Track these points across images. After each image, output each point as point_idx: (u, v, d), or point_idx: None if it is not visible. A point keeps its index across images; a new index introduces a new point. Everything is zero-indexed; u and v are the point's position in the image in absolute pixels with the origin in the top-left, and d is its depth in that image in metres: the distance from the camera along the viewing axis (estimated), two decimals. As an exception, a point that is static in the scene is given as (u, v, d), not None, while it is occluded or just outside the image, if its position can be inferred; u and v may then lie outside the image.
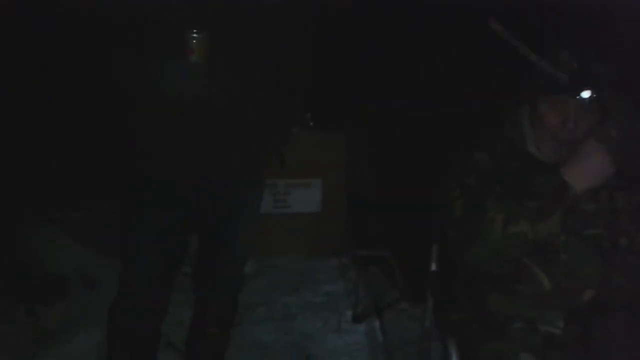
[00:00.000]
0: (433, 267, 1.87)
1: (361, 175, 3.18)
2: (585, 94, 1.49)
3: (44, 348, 2.44)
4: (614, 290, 1.52)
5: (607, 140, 1.52)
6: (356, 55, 3.24)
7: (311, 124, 3.27)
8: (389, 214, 2.66)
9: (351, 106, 3.29)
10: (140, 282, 1.90)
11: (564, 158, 1.53)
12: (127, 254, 1.92)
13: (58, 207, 3.05)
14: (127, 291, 1.92)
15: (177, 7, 1.71)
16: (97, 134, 2.22)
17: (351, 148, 3.29)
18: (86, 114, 2.36)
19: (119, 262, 1.95)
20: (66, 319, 2.60)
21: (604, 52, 1.53)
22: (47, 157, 2.98)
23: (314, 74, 2.05)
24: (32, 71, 2.78)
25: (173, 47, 1.67)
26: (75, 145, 2.91)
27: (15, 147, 2.84)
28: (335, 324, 2.82)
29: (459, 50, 3.05)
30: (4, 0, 2.50)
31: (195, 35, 1.67)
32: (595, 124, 1.52)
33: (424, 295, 1.89)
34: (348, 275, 3.19)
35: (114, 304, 1.95)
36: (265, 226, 3.28)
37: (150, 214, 1.86)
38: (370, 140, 3.03)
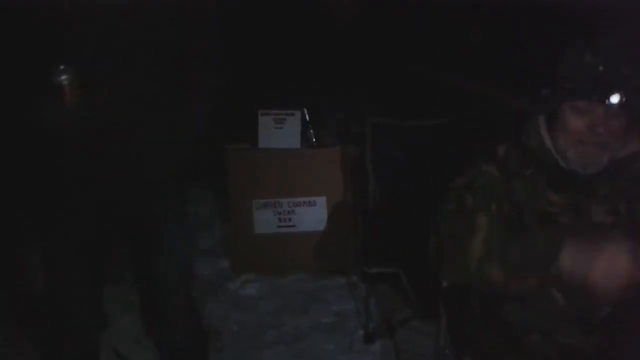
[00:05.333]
0: (445, 282, 1.82)
1: (367, 190, 3.12)
2: (614, 99, 1.40)
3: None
4: (635, 306, 1.41)
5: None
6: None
7: (314, 140, 3.23)
8: (398, 230, 2.60)
9: (355, 121, 3.24)
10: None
11: (591, 161, 1.46)
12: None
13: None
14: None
15: (44, 40, 1.62)
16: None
17: (355, 163, 3.23)
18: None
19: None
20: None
21: (629, 53, 1.42)
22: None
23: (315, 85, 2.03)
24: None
25: (42, 87, 1.59)
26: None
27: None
28: (347, 344, 2.75)
29: (473, 54, 3.00)
30: None
31: (64, 74, 1.57)
32: (625, 125, 1.43)
33: (436, 311, 1.84)
34: (357, 293, 3.12)
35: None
36: (270, 246, 3.26)
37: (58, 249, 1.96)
38: (375, 154, 2.98)
